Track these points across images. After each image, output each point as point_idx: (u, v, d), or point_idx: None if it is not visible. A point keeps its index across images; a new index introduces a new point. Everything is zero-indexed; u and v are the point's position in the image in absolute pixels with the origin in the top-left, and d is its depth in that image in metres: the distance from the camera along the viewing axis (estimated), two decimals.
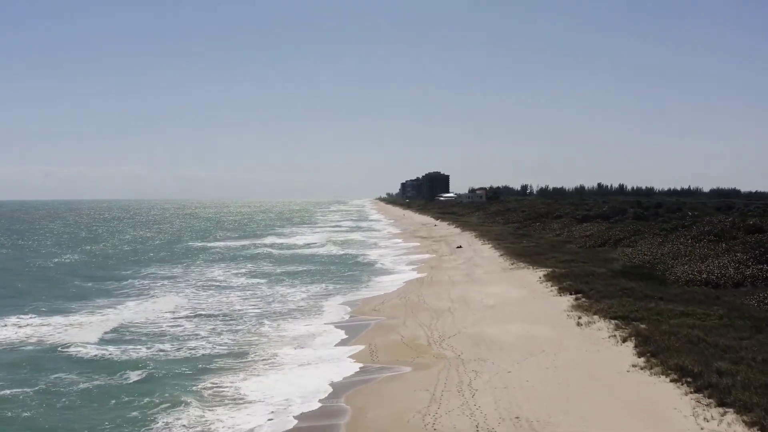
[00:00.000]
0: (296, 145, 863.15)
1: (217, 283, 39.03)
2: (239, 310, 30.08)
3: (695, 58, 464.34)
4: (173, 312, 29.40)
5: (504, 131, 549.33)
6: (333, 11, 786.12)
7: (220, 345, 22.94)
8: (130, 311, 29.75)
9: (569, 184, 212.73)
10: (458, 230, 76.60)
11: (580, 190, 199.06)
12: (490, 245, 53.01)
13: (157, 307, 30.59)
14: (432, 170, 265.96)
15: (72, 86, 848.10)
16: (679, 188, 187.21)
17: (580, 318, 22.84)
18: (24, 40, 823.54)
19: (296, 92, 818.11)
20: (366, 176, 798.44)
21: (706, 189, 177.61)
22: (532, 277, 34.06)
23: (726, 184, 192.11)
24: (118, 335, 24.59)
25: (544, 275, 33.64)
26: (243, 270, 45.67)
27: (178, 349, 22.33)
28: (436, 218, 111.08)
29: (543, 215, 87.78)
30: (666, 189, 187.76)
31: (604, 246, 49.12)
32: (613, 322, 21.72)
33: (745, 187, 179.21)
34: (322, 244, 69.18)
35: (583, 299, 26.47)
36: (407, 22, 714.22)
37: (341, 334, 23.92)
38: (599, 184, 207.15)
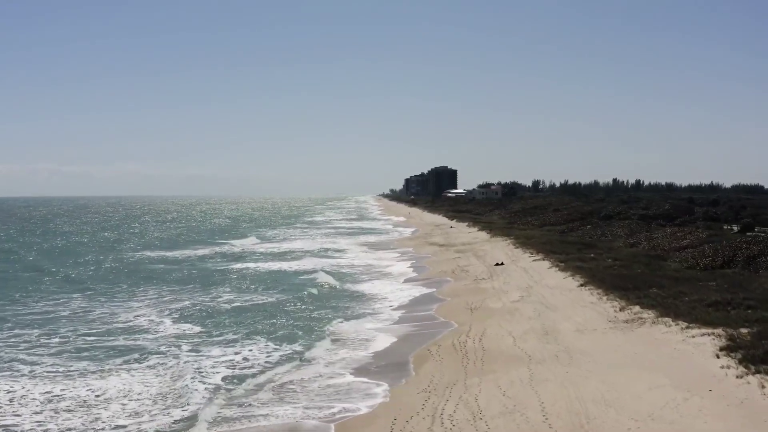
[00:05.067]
0: (298, 142, 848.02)
1: (121, 340, 22.21)
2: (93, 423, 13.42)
3: (700, 57, 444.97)
4: None
5: (508, 127, 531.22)
6: (338, 12, 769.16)
7: None
8: None
9: (573, 180, 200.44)
10: (484, 235, 58.87)
11: (594, 186, 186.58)
12: (548, 262, 35.31)
13: None
14: (434, 166, 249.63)
15: (76, 85, 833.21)
16: (698, 183, 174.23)
17: None
18: (27, 40, 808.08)
19: (299, 90, 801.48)
20: (368, 173, 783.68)
21: (727, 185, 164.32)
22: (694, 350, 16.78)
23: (729, 181, 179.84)
24: None
25: (721, 347, 16.43)
26: (180, 305, 28.88)
27: None
28: (450, 218, 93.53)
29: (587, 215, 70.58)
30: (686, 185, 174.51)
31: (730, 266, 31.86)
32: None
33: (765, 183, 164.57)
34: (304, 254, 51.77)
35: None
36: (410, 19, 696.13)
37: None
38: (614, 180, 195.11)
